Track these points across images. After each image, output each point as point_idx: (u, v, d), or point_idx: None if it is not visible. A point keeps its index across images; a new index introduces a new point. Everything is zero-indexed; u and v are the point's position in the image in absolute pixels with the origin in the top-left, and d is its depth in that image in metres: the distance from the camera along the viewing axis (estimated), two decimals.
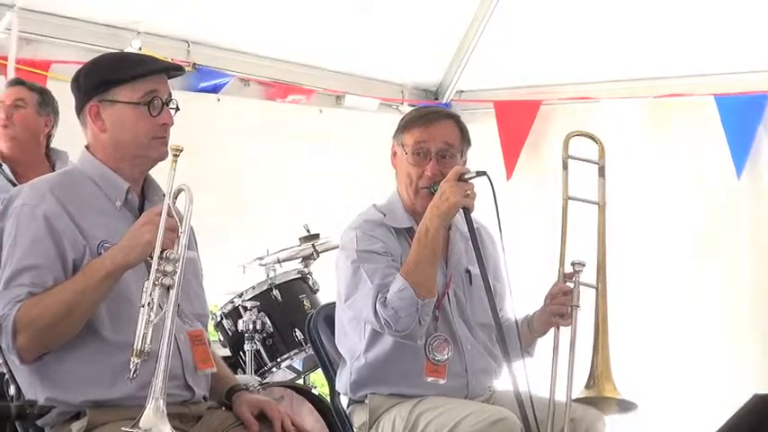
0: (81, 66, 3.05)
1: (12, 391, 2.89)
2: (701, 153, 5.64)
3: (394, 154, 3.59)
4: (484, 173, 3.33)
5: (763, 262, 5.44)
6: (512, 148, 6.15)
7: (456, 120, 3.60)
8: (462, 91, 6.43)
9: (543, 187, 5.70)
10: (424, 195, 3.48)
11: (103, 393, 2.78)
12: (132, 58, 3.42)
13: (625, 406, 3.54)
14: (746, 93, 5.45)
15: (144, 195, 3.01)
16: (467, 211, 3.33)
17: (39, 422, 2.82)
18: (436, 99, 6.46)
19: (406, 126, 3.55)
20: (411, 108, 5.28)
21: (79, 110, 2.96)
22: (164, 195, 2.80)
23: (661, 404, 5.40)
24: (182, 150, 2.76)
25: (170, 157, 2.79)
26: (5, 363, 2.86)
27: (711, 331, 5.56)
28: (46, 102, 4.49)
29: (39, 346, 2.74)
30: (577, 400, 3.48)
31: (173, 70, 3.07)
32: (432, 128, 3.50)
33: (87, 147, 2.98)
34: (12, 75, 4.58)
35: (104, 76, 2.93)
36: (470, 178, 3.33)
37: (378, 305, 3.33)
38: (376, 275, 3.37)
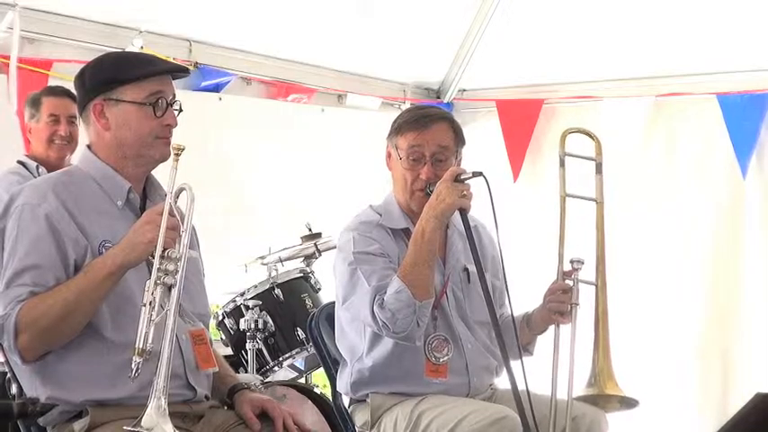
0: (84, 64, 3.05)
1: (14, 389, 2.89)
2: (705, 152, 5.64)
3: (388, 155, 3.56)
4: (480, 173, 3.30)
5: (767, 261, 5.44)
6: (516, 148, 6.14)
7: (450, 121, 3.56)
8: (464, 90, 6.43)
9: (549, 187, 5.68)
10: (419, 197, 3.46)
11: (105, 393, 2.77)
12: (138, 58, 3.41)
13: (627, 403, 3.53)
14: (749, 92, 5.45)
15: (145, 195, 3.00)
16: (463, 211, 3.31)
17: (40, 421, 2.82)
18: (438, 98, 6.46)
19: (399, 129, 3.52)
20: None
21: (82, 108, 2.95)
22: (165, 195, 2.79)
23: (663, 401, 5.39)
24: (183, 149, 2.74)
25: (171, 155, 2.79)
26: (7, 362, 2.86)
27: (714, 329, 5.55)
28: None
29: (40, 346, 2.74)
30: (579, 399, 3.47)
31: (178, 72, 3.07)
32: (426, 131, 3.47)
33: (89, 146, 2.98)
34: (14, 73, 4.58)
35: (110, 75, 2.92)
36: (467, 179, 3.32)
37: (375, 307, 3.32)
38: (373, 277, 3.36)
